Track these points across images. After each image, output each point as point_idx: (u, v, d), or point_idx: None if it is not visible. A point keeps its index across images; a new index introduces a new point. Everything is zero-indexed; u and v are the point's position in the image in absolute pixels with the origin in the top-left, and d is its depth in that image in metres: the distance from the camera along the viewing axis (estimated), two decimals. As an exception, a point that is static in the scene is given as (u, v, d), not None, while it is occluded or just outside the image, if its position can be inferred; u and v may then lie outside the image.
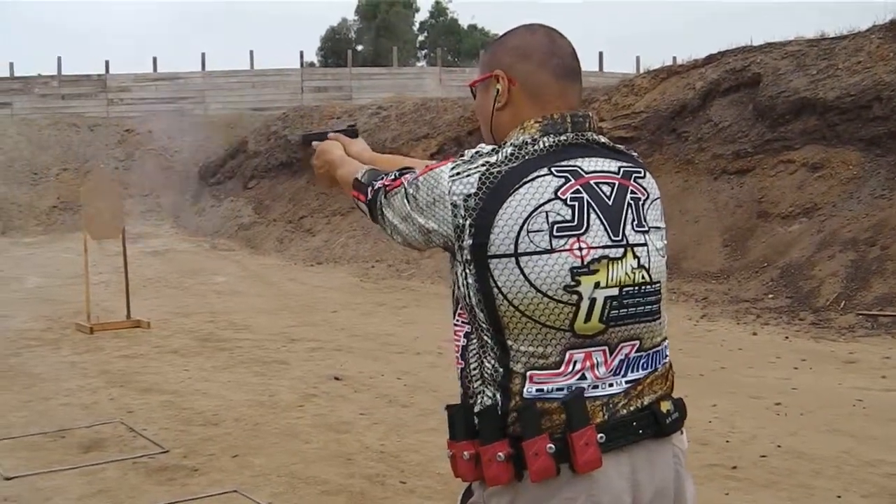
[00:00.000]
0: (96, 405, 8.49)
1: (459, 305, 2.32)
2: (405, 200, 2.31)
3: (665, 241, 2.36)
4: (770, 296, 13.07)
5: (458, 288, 2.26)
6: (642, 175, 2.33)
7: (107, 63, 37.14)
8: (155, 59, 38.06)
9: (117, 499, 5.92)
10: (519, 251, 2.12)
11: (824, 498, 5.82)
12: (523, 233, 2.12)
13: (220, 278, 18.89)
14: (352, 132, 2.93)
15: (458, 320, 2.34)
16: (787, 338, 11.33)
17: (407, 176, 2.35)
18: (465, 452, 2.24)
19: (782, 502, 5.77)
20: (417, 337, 11.90)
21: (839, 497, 5.82)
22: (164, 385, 9.28)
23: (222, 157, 31.02)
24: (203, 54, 37.74)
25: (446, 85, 36.15)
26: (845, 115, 15.26)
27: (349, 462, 6.66)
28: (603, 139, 2.32)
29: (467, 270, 2.19)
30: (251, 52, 38.16)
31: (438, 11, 58.18)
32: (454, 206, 2.18)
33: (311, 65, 49.12)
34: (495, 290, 2.15)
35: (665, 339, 2.35)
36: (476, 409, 2.25)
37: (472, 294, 2.21)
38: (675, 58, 23.00)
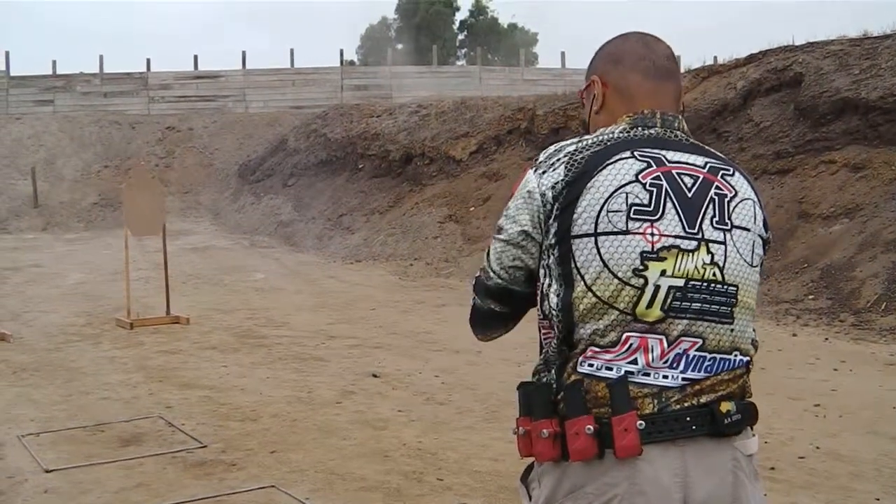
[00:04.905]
0: (136, 400, 8.55)
1: None
2: (497, 239, 2.39)
3: (756, 250, 2.33)
4: (810, 297, 12.98)
5: (539, 277, 2.33)
6: (731, 173, 2.35)
7: (148, 61, 37.36)
8: (196, 58, 38.25)
9: (156, 492, 5.96)
10: (598, 230, 2.20)
11: (863, 500, 5.79)
12: (603, 212, 2.19)
13: (260, 275, 18.95)
14: None
15: (540, 314, 2.39)
16: (827, 339, 11.25)
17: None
18: (521, 428, 2.30)
19: (821, 504, 5.74)
20: (456, 335, 11.89)
21: (878, 500, 5.78)
22: (202, 380, 9.34)
23: (262, 154, 31.12)
24: (244, 52, 37.97)
25: (486, 84, 36.14)
26: (888, 115, 15.13)
27: (386, 459, 6.67)
28: (693, 140, 2.36)
29: (551, 254, 2.26)
30: (291, 51, 38.53)
31: (478, 10, 58.21)
32: (542, 195, 2.27)
33: (351, 63, 49.26)
34: (574, 271, 2.22)
35: (740, 351, 2.29)
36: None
37: (552, 277, 2.26)
38: (715, 57, 22.92)
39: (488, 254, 2.43)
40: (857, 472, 6.30)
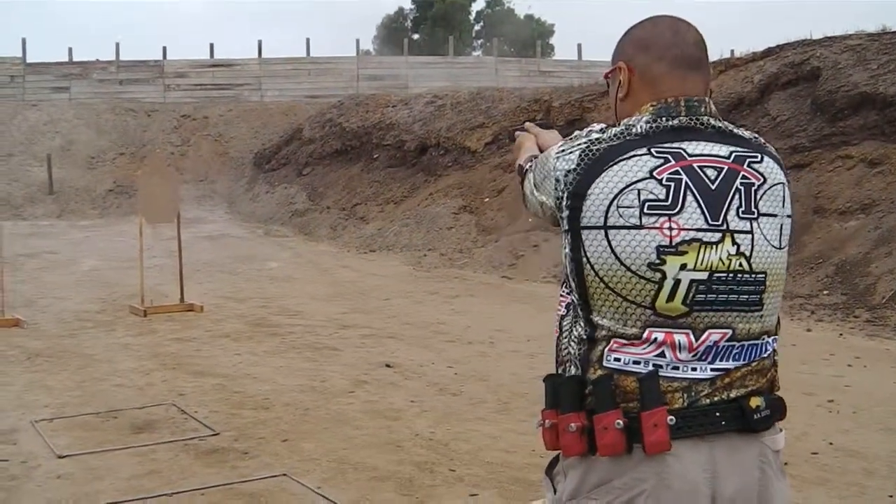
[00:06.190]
0: (149, 387, 8.57)
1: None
2: (530, 178, 2.45)
3: (784, 232, 2.31)
4: (825, 292, 12.94)
5: (563, 258, 2.33)
6: (758, 160, 2.30)
7: (164, 49, 37.40)
8: (212, 46, 38.33)
9: (168, 479, 5.97)
10: (608, 224, 2.18)
11: (876, 497, 5.76)
12: (613, 207, 2.17)
13: (274, 264, 18.97)
14: (545, 125, 3.02)
15: (563, 290, 2.38)
16: (841, 335, 11.22)
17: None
18: (547, 420, 2.29)
19: (833, 500, 5.72)
20: (469, 326, 11.90)
21: (891, 496, 5.76)
22: (215, 368, 9.35)
23: (277, 143, 31.13)
24: (259, 41, 38.03)
25: (502, 75, 36.09)
26: (905, 110, 15.07)
27: (398, 449, 6.67)
28: (720, 123, 2.32)
29: (566, 240, 2.27)
30: (307, 40, 38.32)
31: (495, 1, 58.13)
32: (556, 180, 2.27)
33: (367, 53, 49.25)
34: (584, 260, 2.22)
35: (768, 334, 2.29)
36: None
37: (568, 263, 2.28)
38: (732, 51, 22.81)
39: (523, 181, 2.54)
40: (871, 468, 6.28)
